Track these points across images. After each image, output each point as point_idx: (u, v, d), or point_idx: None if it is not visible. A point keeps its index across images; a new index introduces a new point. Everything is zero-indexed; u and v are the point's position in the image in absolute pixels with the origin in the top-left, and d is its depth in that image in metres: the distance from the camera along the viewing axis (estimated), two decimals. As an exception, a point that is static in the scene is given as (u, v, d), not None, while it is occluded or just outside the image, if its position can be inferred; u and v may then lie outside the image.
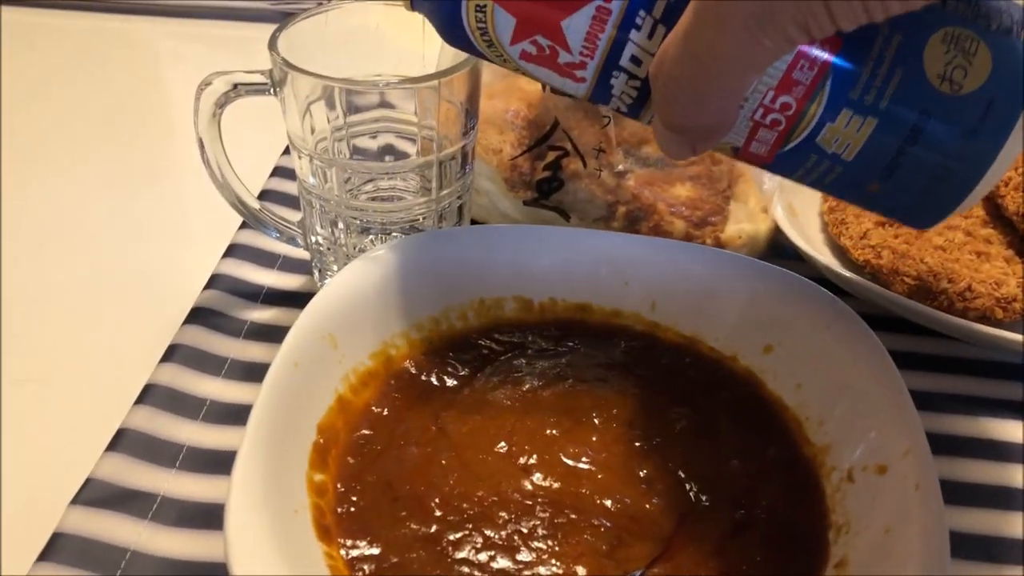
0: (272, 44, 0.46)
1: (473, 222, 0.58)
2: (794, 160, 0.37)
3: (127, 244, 0.62)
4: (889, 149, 0.35)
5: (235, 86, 0.48)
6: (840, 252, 0.57)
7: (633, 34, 0.36)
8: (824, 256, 0.55)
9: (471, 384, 0.44)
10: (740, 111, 0.35)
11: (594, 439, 0.41)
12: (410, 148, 0.52)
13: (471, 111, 0.49)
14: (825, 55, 0.34)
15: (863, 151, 0.35)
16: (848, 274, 0.52)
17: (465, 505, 0.38)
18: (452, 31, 0.39)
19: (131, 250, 0.61)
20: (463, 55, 0.50)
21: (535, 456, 0.40)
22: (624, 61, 0.37)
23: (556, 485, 0.39)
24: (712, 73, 0.32)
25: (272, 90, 0.48)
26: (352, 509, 0.38)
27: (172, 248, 0.62)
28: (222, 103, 0.48)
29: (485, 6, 0.37)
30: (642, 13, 0.35)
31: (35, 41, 0.89)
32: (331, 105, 0.47)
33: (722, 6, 0.30)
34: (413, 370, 0.45)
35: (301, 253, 0.56)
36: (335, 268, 0.52)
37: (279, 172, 0.66)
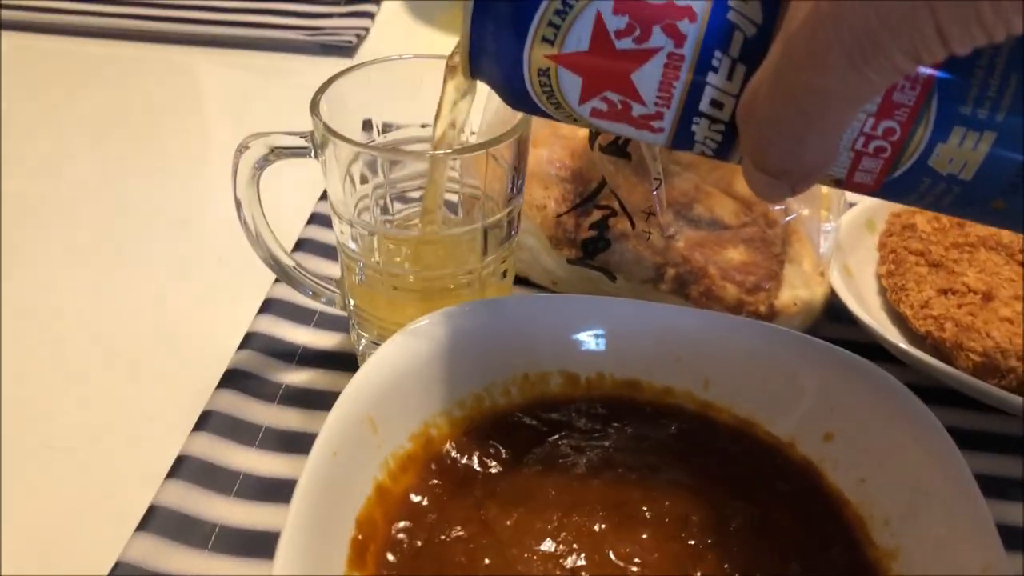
0: (314, 108, 0.44)
1: (516, 279, 0.56)
2: (905, 186, 0.34)
3: (160, 291, 0.61)
4: (1013, 162, 0.32)
5: (274, 149, 0.46)
6: (898, 317, 0.55)
7: (711, 77, 0.33)
8: (881, 323, 0.53)
9: (515, 470, 0.42)
10: (840, 143, 0.33)
11: (645, 537, 0.39)
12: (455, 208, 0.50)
13: (519, 172, 0.47)
14: (928, 71, 0.31)
15: (983, 168, 0.32)
16: (908, 348, 0.50)
17: (511, 613, 0.36)
18: (516, 97, 0.37)
19: (164, 298, 0.60)
20: (509, 110, 0.48)
21: (583, 556, 0.38)
22: (704, 106, 0.34)
23: (606, 590, 0.37)
24: (811, 112, 0.30)
25: (313, 153, 0.46)
26: (392, 615, 0.36)
27: (208, 297, 0.60)
28: (260, 166, 0.46)
29: (548, 69, 0.35)
30: (718, 54, 0.33)
31: (68, 69, 0.88)
32: (373, 170, 0.45)
33: (818, 40, 0.28)
34: (454, 453, 0.43)
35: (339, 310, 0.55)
36: (374, 331, 0.50)
37: (317, 219, 0.64)
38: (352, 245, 0.47)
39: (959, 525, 0.36)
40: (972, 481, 0.37)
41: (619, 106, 0.35)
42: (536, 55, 0.35)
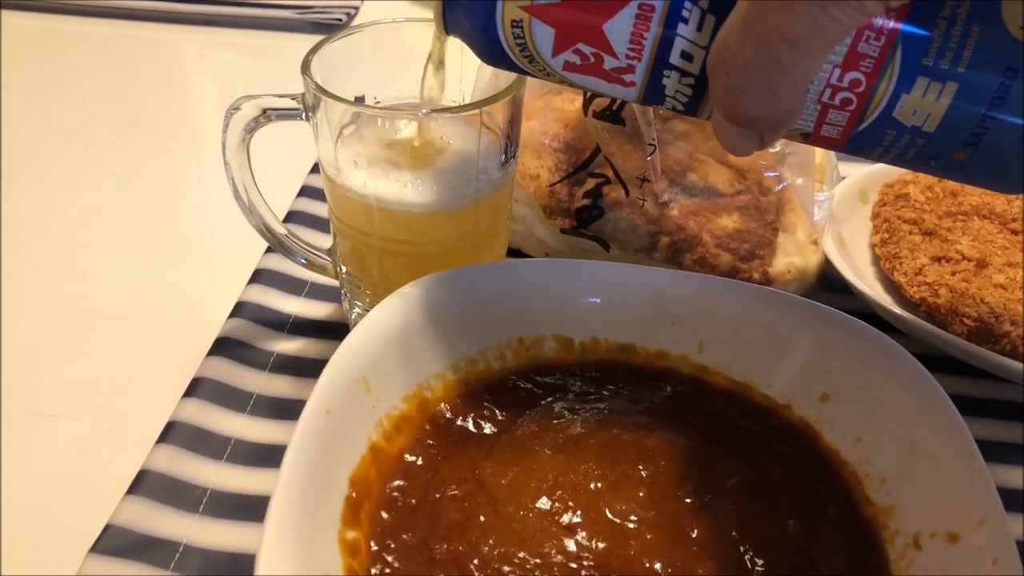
0: (305, 68, 0.44)
1: (509, 249, 0.56)
2: (871, 139, 0.34)
3: (150, 264, 0.60)
4: (975, 114, 0.32)
5: (265, 111, 0.45)
6: (892, 286, 0.55)
7: (681, 28, 0.33)
8: (876, 291, 0.53)
9: (510, 430, 0.42)
10: (808, 94, 0.33)
11: (641, 494, 0.39)
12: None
13: (512, 139, 0.47)
14: (891, 23, 0.31)
15: (946, 120, 0.32)
16: (903, 313, 0.50)
17: (506, 568, 0.36)
18: (490, 51, 0.37)
19: (154, 271, 0.60)
20: (501, 74, 0.48)
21: (579, 513, 0.38)
22: (674, 59, 0.34)
23: (602, 546, 0.37)
24: (781, 57, 0.30)
25: (304, 115, 0.45)
26: (387, 571, 0.35)
27: (197, 269, 0.60)
28: (251, 128, 0.46)
29: (521, 21, 0.35)
30: (688, 5, 0.33)
31: (60, 48, 0.88)
32: (365, 131, 0.45)
33: None
34: (449, 414, 0.42)
35: (330, 279, 0.54)
36: (366, 299, 0.50)
37: (307, 191, 0.64)
38: (344, 210, 0.47)
39: (955, 480, 0.36)
40: (968, 436, 0.37)
41: (591, 59, 0.35)
42: (510, 6, 0.35)
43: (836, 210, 0.57)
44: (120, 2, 0.91)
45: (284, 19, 0.90)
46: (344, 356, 0.39)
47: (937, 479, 0.37)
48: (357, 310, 0.51)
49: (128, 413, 0.49)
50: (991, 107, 0.32)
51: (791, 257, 0.53)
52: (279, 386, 0.49)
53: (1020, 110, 0.32)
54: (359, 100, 0.50)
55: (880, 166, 0.61)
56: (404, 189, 0.44)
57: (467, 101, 0.50)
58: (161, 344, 0.53)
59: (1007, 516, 0.34)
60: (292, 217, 0.61)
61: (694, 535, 0.37)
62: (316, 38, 0.86)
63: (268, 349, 0.51)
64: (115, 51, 0.88)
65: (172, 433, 0.45)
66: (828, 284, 0.55)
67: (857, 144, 0.35)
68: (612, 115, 0.52)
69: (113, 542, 0.40)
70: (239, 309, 0.53)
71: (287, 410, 0.47)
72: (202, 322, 0.53)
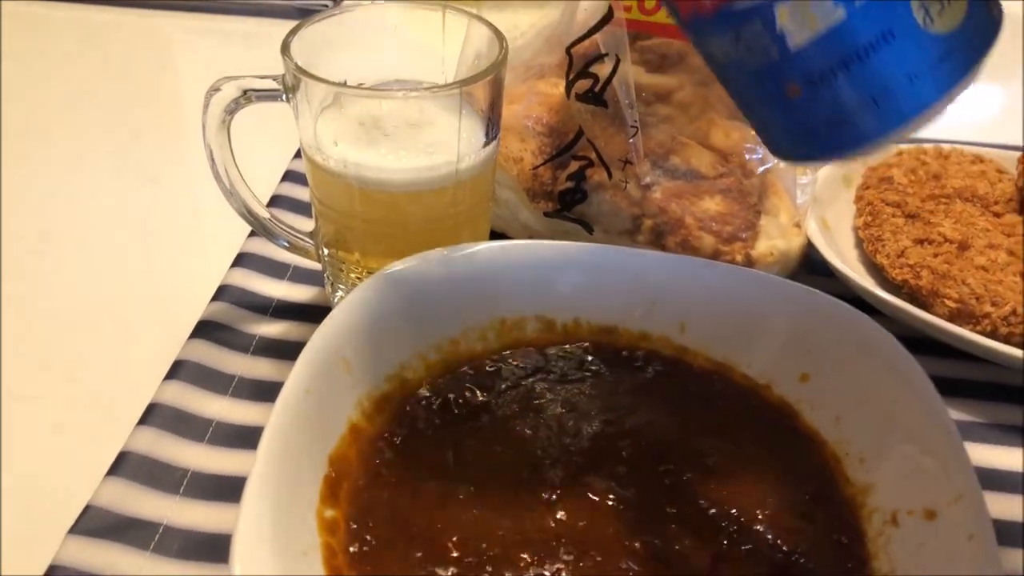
0: (285, 49, 0.44)
1: (492, 233, 0.56)
2: (734, 23, 0.32)
3: (132, 248, 0.60)
4: (836, 54, 0.31)
5: (245, 92, 0.45)
6: (875, 270, 0.55)
7: None
8: (859, 274, 0.53)
9: (490, 411, 0.42)
10: None
11: (621, 472, 0.39)
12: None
13: (493, 119, 0.46)
14: None
15: (813, 44, 0.31)
16: (885, 295, 0.50)
17: (484, 545, 0.36)
18: None
19: (137, 254, 0.59)
20: (483, 55, 0.47)
21: (559, 491, 0.38)
22: None
23: (581, 523, 0.37)
24: None
25: (284, 96, 0.45)
26: (365, 548, 0.35)
27: (180, 253, 0.60)
28: (232, 109, 0.46)
29: None
30: None
31: (46, 34, 0.87)
32: (345, 111, 0.44)
33: None
34: (430, 395, 0.42)
35: (313, 263, 0.54)
36: (348, 281, 0.50)
37: (291, 176, 0.64)
38: (325, 191, 0.47)
39: (932, 458, 0.36)
40: (946, 414, 0.37)
41: None
42: None
43: (820, 193, 0.58)
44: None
45: (271, 5, 0.90)
46: (324, 336, 0.39)
47: (915, 457, 0.37)
48: (340, 293, 0.51)
49: (110, 395, 0.48)
50: (854, 56, 0.31)
51: (774, 240, 0.53)
52: (261, 368, 0.49)
53: (871, 74, 0.31)
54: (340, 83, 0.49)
55: (864, 150, 0.61)
56: (385, 168, 0.44)
57: (449, 76, 0.50)
58: (145, 327, 0.53)
59: (983, 493, 0.34)
60: (276, 201, 0.61)
61: (673, 512, 0.37)
62: (302, 23, 0.85)
63: (250, 332, 0.51)
64: (101, 38, 0.87)
65: (153, 415, 0.45)
66: (811, 267, 0.55)
67: (716, 23, 0.32)
68: (595, 97, 0.52)
69: (93, 523, 0.40)
70: (222, 292, 0.53)
71: (269, 392, 0.47)
72: (185, 303, 0.53)
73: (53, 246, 0.60)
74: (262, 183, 0.62)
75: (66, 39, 0.86)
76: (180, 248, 0.60)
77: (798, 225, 0.54)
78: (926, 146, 0.61)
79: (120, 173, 0.68)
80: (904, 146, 0.61)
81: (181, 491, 0.42)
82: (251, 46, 0.87)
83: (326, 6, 0.89)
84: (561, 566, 0.35)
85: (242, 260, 0.55)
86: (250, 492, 0.32)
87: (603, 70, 0.51)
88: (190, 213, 0.63)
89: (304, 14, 0.88)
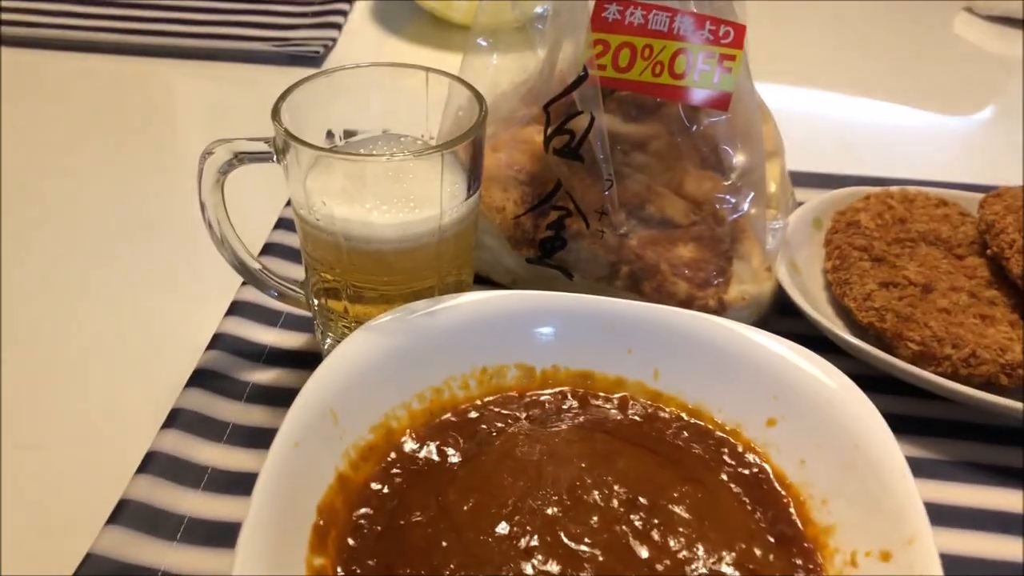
0: (275, 114, 0.46)
1: (477, 277, 0.58)
2: None
3: (129, 295, 0.62)
4: None
5: (237, 155, 0.48)
6: (844, 312, 0.57)
7: None
8: (827, 316, 0.55)
9: (472, 457, 0.44)
10: None
11: (595, 519, 0.41)
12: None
13: (474, 175, 0.49)
14: None
15: None
16: (851, 339, 0.52)
17: (465, 590, 0.38)
18: None
19: (134, 302, 0.61)
20: (465, 110, 0.50)
21: (536, 538, 0.40)
22: None
23: (556, 569, 0.39)
24: None
25: (275, 158, 0.48)
26: (352, 595, 0.37)
27: (177, 301, 0.62)
28: (224, 170, 0.48)
29: None
30: None
31: (43, 82, 0.89)
32: (333, 174, 0.47)
33: None
34: (414, 443, 0.44)
35: (305, 311, 0.56)
36: (338, 331, 0.52)
37: (283, 224, 0.66)
38: (314, 246, 0.49)
39: (889, 501, 0.39)
40: (901, 459, 0.39)
41: None
42: None
43: (791, 237, 0.60)
44: (101, 35, 0.93)
45: (264, 52, 0.92)
46: (312, 390, 0.42)
47: (873, 499, 0.39)
48: (329, 341, 0.53)
49: (109, 446, 0.50)
50: None
51: (745, 284, 0.55)
52: (254, 415, 0.51)
53: None
54: (329, 134, 0.52)
55: (834, 193, 0.64)
56: (370, 223, 0.47)
57: (434, 134, 0.53)
58: (141, 376, 0.55)
59: (933, 534, 0.36)
60: (269, 249, 0.63)
61: (644, 556, 0.39)
62: (294, 69, 0.89)
63: (244, 379, 0.53)
64: (97, 85, 0.89)
65: (151, 463, 0.47)
66: (784, 309, 0.57)
67: None
68: (571, 152, 0.54)
69: (93, 571, 0.42)
70: (216, 341, 0.55)
71: (262, 438, 0.49)
72: (182, 353, 0.55)
73: (51, 292, 0.62)
74: (256, 231, 0.64)
75: (63, 87, 0.89)
76: (177, 296, 0.62)
77: (769, 269, 0.56)
78: (892, 189, 0.63)
79: (118, 220, 0.70)
80: (872, 189, 0.63)
81: (178, 537, 0.44)
82: (246, 92, 0.89)
83: (317, 52, 0.91)
84: (538, 609, 0.37)
85: (236, 308, 0.58)
86: (244, 542, 0.35)
87: (579, 125, 0.53)
88: (186, 261, 0.66)
89: (296, 60, 0.91)
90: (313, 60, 0.91)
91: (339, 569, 0.38)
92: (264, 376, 0.53)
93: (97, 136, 0.81)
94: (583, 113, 0.53)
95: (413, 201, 0.47)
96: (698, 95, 0.54)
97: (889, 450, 0.40)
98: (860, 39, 1.06)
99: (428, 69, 0.51)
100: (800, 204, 0.63)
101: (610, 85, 0.54)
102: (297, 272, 0.61)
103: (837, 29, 1.08)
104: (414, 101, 0.52)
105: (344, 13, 1.02)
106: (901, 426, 0.50)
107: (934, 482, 0.49)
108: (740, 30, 0.53)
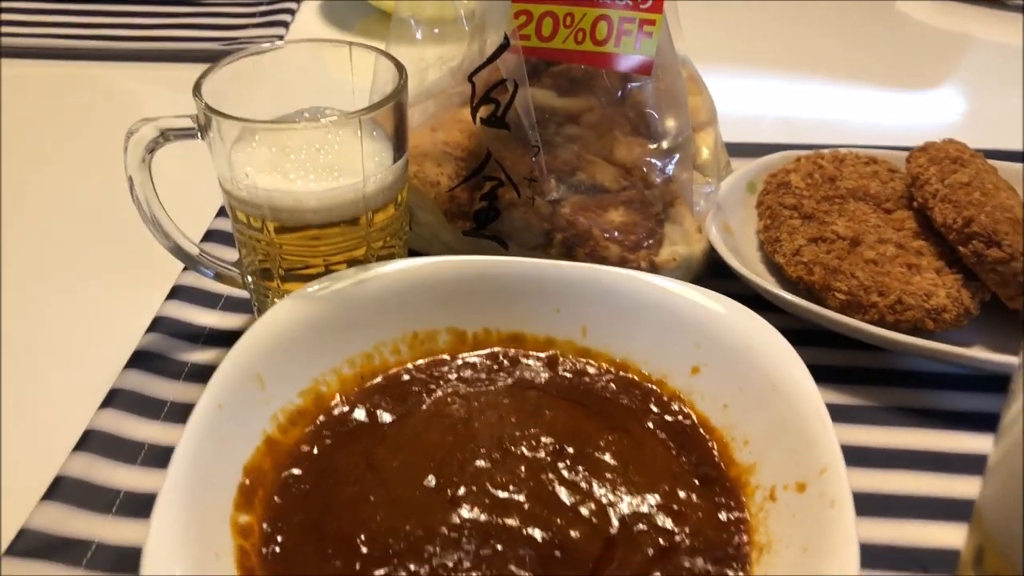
0: (196, 90, 0.47)
1: (415, 253, 0.59)
2: None
3: (72, 282, 0.62)
4: None
5: (163, 132, 0.48)
6: (775, 269, 0.58)
7: None
8: (760, 275, 0.56)
9: (403, 420, 0.44)
10: None
11: (522, 469, 0.42)
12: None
13: (398, 143, 0.49)
14: None
15: None
16: (781, 292, 0.53)
17: (391, 540, 0.38)
18: None
19: (76, 289, 0.62)
20: (391, 80, 0.50)
21: (463, 488, 0.40)
22: None
23: (483, 517, 0.39)
24: None
25: (200, 134, 0.48)
26: (278, 550, 0.38)
27: (118, 288, 0.62)
28: (151, 148, 0.49)
29: None
30: None
31: (9, 89, 0.90)
32: (257, 146, 0.47)
33: None
34: (344, 407, 0.45)
35: (242, 292, 0.57)
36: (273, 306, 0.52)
37: (224, 212, 0.66)
38: (242, 221, 0.49)
39: (804, 436, 0.39)
40: (817, 395, 0.40)
41: None
42: None
43: (725, 201, 0.61)
44: (50, 42, 0.94)
45: (210, 51, 0.92)
46: (237, 355, 0.42)
47: (789, 436, 0.40)
48: (266, 318, 0.54)
49: (46, 423, 0.51)
50: None
51: (676, 246, 0.56)
52: (193, 394, 0.50)
53: None
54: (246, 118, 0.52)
55: (768, 158, 0.65)
56: (294, 194, 0.47)
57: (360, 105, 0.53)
58: (81, 361, 0.55)
59: (844, 463, 0.37)
60: (210, 236, 0.64)
61: (569, 503, 0.40)
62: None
63: (183, 360, 0.53)
64: (41, 89, 0.90)
65: (88, 441, 0.47)
66: (717, 271, 0.58)
67: None
68: (498, 120, 0.55)
69: (28, 544, 0.42)
70: (156, 324, 0.55)
71: (200, 415, 0.50)
72: (122, 336, 0.55)
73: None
74: (202, 219, 0.65)
75: (13, 92, 0.89)
76: (121, 282, 0.63)
77: (700, 230, 0.57)
78: (824, 151, 0.64)
79: (66, 212, 0.70)
80: (803, 152, 0.64)
81: (114, 510, 0.44)
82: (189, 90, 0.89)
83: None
84: (463, 555, 0.38)
85: (177, 292, 0.58)
86: (161, 502, 0.35)
87: (505, 95, 0.54)
88: (128, 250, 0.66)
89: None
90: (234, 54, 0.91)
91: (265, 525, 0.39)
92: (203, 356, 0.54)
93: (40, 142, 0.81)
94: (507, 81, 0.53)
95: (337, 170, 0.48)
96: (620, 61, 0.55)
97: (805, 389, 0.41)
98: (803, 17, 1.07)
99: (351, 44, 0.52)
100: (733, 170, 0.64)
101: (534, 54, 0.55)
102: (234, 256, 0.61)
103: (780, 8, 1.10)
104: (339, 79, 0.53)
105: (291, 12, 1.02)
106: (832, 376, 0.52)
107: (865, 427, 0.49)
108: (659, -5, 0.54)
